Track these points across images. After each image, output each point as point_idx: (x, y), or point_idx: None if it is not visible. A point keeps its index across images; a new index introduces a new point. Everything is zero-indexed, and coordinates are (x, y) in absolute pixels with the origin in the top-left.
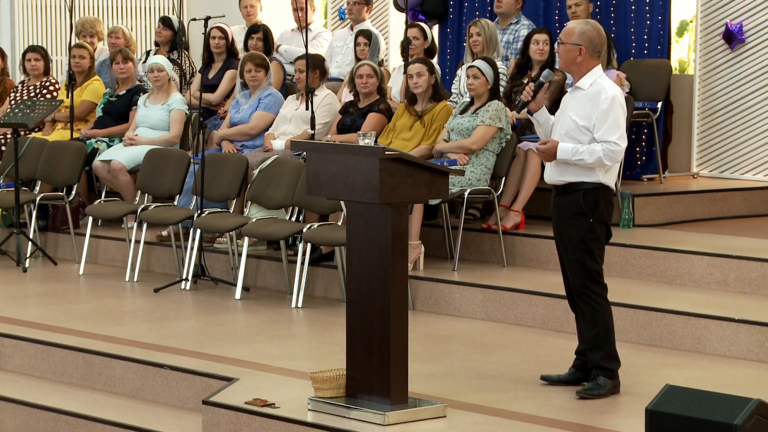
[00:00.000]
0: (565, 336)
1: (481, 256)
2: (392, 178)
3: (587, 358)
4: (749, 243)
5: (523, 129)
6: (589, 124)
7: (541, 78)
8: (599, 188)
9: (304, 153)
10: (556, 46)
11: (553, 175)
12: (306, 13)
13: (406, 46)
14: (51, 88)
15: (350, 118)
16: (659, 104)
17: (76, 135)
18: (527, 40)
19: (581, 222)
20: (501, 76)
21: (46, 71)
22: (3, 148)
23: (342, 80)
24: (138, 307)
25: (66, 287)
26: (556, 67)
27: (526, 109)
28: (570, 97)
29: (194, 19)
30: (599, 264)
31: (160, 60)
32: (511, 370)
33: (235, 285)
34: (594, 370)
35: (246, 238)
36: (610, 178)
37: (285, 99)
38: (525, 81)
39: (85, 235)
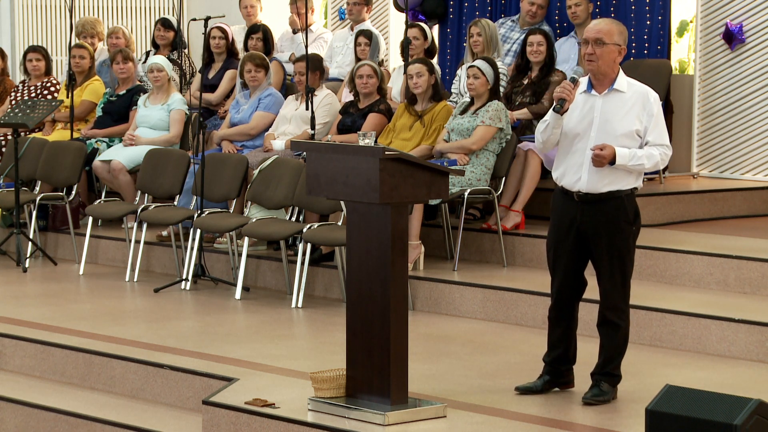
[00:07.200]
0: None
1: (481, 256)
2: (392, 178)
3: (599, 366)
4: (749, 243)
5: (523, 129)
6: (641, 128)
7: (573, 75)
8: (634, 193)
9: (304, 153)
10: (584, 47)
11: (596, 184)
12: (306, 16)
13: (406, 46)
14: (52, 88)
15: (350, 119)
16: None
17: (76, 135)
18: (524, 42)
19: (628, 230)
20: (501, 76)
21: (48, 71)
22: (3, 148)
23: (342, 80)
24: (138, 307)
25: (66, 287)
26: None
27: (552, 109)
28: (604, 100)
29: (194, 19)
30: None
31: (160, 60)
32: (511, 370)
33: (235, 285)
34: (597, 376)
35: (246, 238)
36: (641, 181)
37: (285, 99)
38: (525, 82)
39: (85, 235)
